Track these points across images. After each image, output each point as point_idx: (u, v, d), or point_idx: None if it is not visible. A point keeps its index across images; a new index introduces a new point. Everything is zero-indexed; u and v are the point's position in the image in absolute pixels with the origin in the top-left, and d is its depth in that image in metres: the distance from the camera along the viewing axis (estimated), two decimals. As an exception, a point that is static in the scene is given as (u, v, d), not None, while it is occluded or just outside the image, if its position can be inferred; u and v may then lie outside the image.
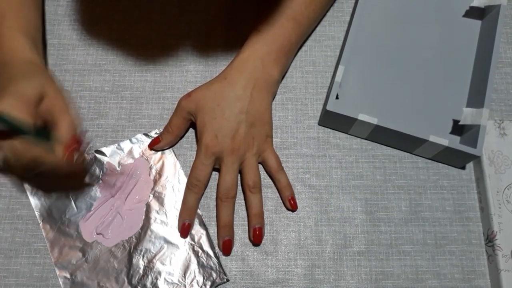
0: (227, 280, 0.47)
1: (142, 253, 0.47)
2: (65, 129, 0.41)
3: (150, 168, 0.50)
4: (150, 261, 0.47)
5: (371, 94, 0.53)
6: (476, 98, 0.51)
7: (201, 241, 0.48)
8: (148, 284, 0.46)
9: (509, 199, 0.48)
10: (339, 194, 0.50)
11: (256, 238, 0.48)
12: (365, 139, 0.53)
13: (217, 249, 0.48)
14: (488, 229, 0.48)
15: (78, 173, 0.43)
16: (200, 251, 0.47)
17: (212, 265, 0.47)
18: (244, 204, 0.50)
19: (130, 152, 0.51)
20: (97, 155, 0.51)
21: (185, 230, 0.48)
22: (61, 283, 0.46)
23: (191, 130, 0.53)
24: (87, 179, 0.49)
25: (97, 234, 0.47)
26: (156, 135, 0.51)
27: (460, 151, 0.47)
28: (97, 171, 0.50)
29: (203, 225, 0.49)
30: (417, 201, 0.50)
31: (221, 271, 0.47)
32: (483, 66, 0.52)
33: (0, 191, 0.50)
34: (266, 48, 0.50)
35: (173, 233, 0.48)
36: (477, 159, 0.49)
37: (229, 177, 0.47)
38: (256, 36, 0.50)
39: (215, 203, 0.49)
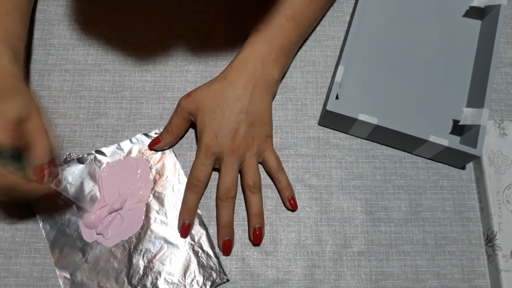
0: (227, 280, 0.47)
1: (142, 253, 0.47)
2: (39, 153, 0.40)
3: (150, 168, 0.50)
4: (150, 261, 0.47)
5: (371, 94, 0.53)
6: (476, 98, 0.51)
7: (201, 241, 0.48)
8: (148, 284, 0.46)
9: (509, 199, 0.48)
10: (339, 194, 0.51)
11: (256, 238, 0.48)
12: (365, 139, 0.53)
13: (217, 249, 0.48)
14: (488, 229, 0.48)
15: (50, 196, 0.43)
16: (200, 251, 0.47)
17: (212, 265, 0.47)
18: (244, 204, 0.50)
19: (130, 152, 0.51)
20: (97, 155, 0.51)
21: (185, 230, 0.48)
22: (61, 283, 0.46)
23: (191, 130, 0.53)
24: (86, 181, 0.49)
25: (97, 234, 0.47)
26: (156, 135, 0.51)
27: (460, 151, 0.47)
28: (97, 171, 0.50)
29: (203, 225, 0.49)
30: (417, 201, 0.50)
31: (221, 271, 0.47)
32: (483, 66, 0.52)
33: None
34: (266, 48, 0.50)
35: (173, 233, 0.48)
36: (477, 159, 0.49)
37: (229, 177, 0.47)
38: (256, 36, 0.50)
39: (215, 203, 0.49)
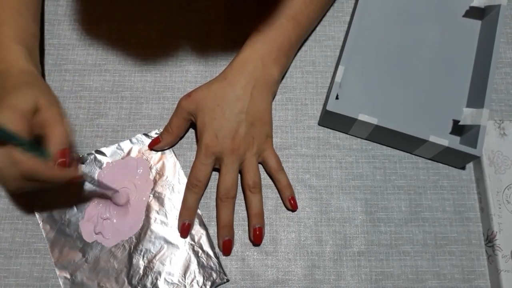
0: (227, 280, 0.47)
1: (142, 253, 0.47)
2: (56, 141, 0.41)
3: (150, 168, 0.50)
4: (150, 261, 0.47)
5: (371, 94, 0.53)
6: (476, 98, 0.51)
7: (201, 241, 0.48)
8: (148, 284, 0.46)
9: (509, 199, 0.48)
10: (339, 194, 0.50)
11: (256, 238, 0.48)
12: (365, 139, 0.53)
13: (217, 249, 0.48)
14: (488, 229, 0.48)
15: (73, 181, 0.43)
16: (200, 251, 0.47)
17: (212, 265, 0.47)
18: (244, 204, 0.50)
19: (130, 152, 0.51)
20: (97, 155, 0.51)
21: (185, 230, 0.48)
22: (61, 283, 0.46)
23: (191, 130, 0.53)
24: (87, 180, 0.49)
25: (96, 234, 0.47)
26: (156, 135, 0.51)
27: (460, 151, 0.47)
28: (97, 171, 0.50)
29: (203, 225, 0.49)
30: (417, 201, 0.50)
31: (221, 271, 0.47)
32: (483, 66, 0.52)
33: (0, 191, 0.50)
34: (266, 48, 0.50)
35: (173, 233, 0.48)
36: (477, 159, 0.49)
37: (229, 177, 0.47)
38: (256, 35, 0.50)
39: (215, 203, 0.49)
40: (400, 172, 0.51)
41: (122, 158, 0.51)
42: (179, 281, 0.46)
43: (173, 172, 0.50)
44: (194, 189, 0.48)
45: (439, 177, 0.51)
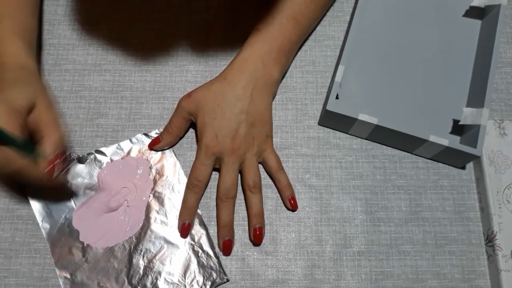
0: (227, 280, 0.47)
1: (142, 253, 0.47)
2: (51, 145, 0.41)
3: (150, 168, 0.50)
4: (150, 261, 0.47)
5: (371, 94, 0.53)
6: (476, 98, 0.51)
7: (201, 241, 0.48)
8: (148, 284, 0.46)
9: (509, 199, 0.48)
10: (339, 194, 0.50)
11: (256, 238, 0.48)
12: (365, 139, 0.53)
13: (217, 249, 0.48)
14: (488, 229, 0.48)
15: (54, 187, 0.44)
16: (200, 251, 0.47)
17: (212, 265, 0.47)
18: (244, 204, 0.50)
19: (130, 152, 0.51)
20: (97, 155, 0.51)
21: (185, 230, 0.48)
22: (61, 283, 0.46)
23: (191, 130, 0.53)
24: (86, 180, 0.49)
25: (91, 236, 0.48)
26: (156, 135, 0.51)
27: (460, 151, 0.47)
28: (97, 171, 0.50)
29: (203, 225, 0.49)
30: (417, 201, 0.50)
31: (221, 271, 0.47)
32: (483, 65, 0.52)
33: (0, 191, 0.50)
34: (267, 48, 0.50)
35: (173, 233, 0.48)
36: (477, 159, 0.49)
37: (229, 177, 0.47)
38: (256, 35, 0.50)
39: (215, 203, 0.49)
40: (400, 171, 0.51)
41: (122, 158, 0.51)
42: (179, 281, 0.46)
43: (173, 172, 0.50)
44: (194, 189, 0.48)
45: (439, 176, 0.51)
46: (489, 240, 0.48)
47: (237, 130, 0.47)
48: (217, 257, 0.47)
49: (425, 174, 0.51)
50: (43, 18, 0.57)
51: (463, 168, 0.52)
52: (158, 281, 0.46)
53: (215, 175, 0.50)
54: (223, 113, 0.48)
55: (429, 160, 0.52)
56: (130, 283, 0.46)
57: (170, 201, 0.49)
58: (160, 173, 0.50)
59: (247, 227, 0.49)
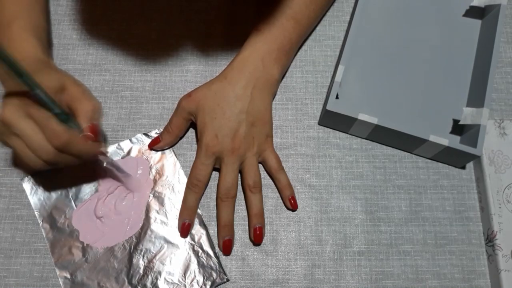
0: (227, 280, 0.47)
1: (142, 253, 0.47)
2: (84, 116, 0.42)
3: (150, 168, 0.50)
4: (150, 261, 0.47)
5: (371, 94, 0.53)
6: (476, 97, 0.51)
7: (201, 241, 0.48)
8: (148, 284, 0.46)
9: (509, 199, 0.48)
10: (339, 194, 0.50)
11: (256, 238, 0.48)
12: (365, 139, 0.53)
13: (217, 249, 0.48)
14: (488, 229, 0.48)
15: (97, 157, 0.45)
16: (200, 251, 0.47)
17: (212, 265, 0.47)
18: (244, 204, 0.50)
19: (130, 152, 0.51)
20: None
21: (185, 230, 0.48)
22: (61, 283, 0.46)
23: (191, 130, 0.53)
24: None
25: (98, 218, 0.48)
26: (156, 135, 0.51)
27: (460, 151, 0.47)
28: (96, 171, 0.50)
29: (203, 225, 0.49)
30: (417, 201, 0.50)
31: (221, 271, 0.47)
32: (483, 65, 0.52)
33: (0, 191, 0.50)
34: (267, 48, 0.50)
35: (173, 233, 0.48)
36: (477, 159, 0.49)
37: (230, 177, 0.47)
38: (256, 35, 0.50)
39: (215, 203, 0.49)
40: (400, 171, 0.51)
41: (122, 158, 0.51)
42: (179, 280, 0.46)
43: (173, 172, 0.50)
44: (194, 188, 0.48)
45: (439, 176, 0.51)
46: (489, 240, 0.48)
47: (237, 130, 0.47)
48: (217, 257, 0.47)
49: (425, 174, 0.51)
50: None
51: (463, 168, 0.52)
52: (158, 281, 0.46)
53: (215, 175, 0.50)
54: (223, 113, 0.48)
55: (429, 160, 0.52)
56: (130, 283, 0.46)
57: (170, 201, 0.49)
58: (160, 173, 0.50)
59: (247, 227, 0.49)
